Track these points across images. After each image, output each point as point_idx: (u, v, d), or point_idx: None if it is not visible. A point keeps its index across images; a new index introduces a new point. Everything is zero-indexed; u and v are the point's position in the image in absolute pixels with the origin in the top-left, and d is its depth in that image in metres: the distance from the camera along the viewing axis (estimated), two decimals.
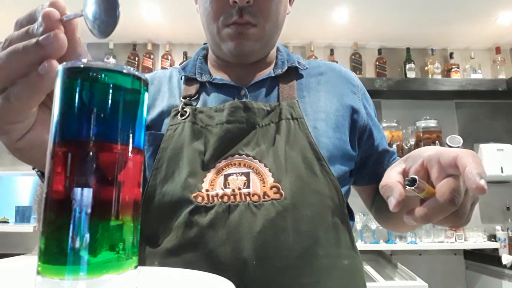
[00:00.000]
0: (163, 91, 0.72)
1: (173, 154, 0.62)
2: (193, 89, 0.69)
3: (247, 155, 0.60)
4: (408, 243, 2.24)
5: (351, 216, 0.69)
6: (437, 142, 2.41)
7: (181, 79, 0.72)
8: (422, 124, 2.48)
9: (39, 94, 0.33)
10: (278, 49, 0.75)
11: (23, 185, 2.59)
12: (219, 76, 0.70)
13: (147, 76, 0.76)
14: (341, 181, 0.62)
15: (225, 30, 0.64)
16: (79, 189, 0.25)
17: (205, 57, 0.76)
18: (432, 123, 2.47)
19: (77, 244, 0.25)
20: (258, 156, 0.60)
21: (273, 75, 0.69)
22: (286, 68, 0.69)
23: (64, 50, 0.32)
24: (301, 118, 0.63)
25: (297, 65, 0.71)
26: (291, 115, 0.63)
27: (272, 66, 0.72)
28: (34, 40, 0.31)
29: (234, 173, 0.59)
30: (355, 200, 0.77)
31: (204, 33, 0.71)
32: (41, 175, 0.47)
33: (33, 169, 0.46)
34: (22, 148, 0.37)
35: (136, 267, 0.29)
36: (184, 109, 0.65)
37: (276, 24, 0.67)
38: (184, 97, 0.68)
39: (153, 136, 0.65)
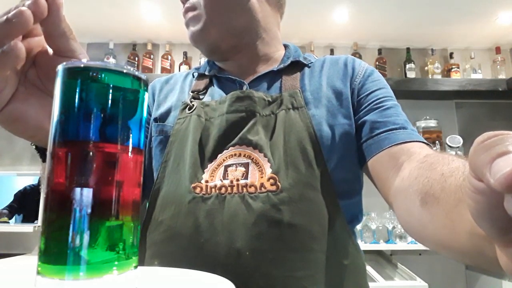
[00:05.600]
0: (176, 88, 0.75)
1: (179, 147, 0.64)
2: (202, 84, 0.72)
3: (248, 142, 0.60)
4: (408, 243, 2.24)
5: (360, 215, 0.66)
6: (437, 142, 2.41)
7: (193, 76, 0.76)
8: (422, 124, 2.48)
9: (2, 69, 0.35)
10: (287, 47, 0.76)
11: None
12: (226, 72, 0.73)
13: (165, 77, 0.80)
14: (342, 168, 0.61)
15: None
16: (79, 189, 0.26)
17: None
18: (432, 123, 2.47)
19: (77, 244, 0.25)
20: (258, 145, 0.60)
21: (275, 69, 0.70)
22: (289, 62, 0.70)
23: (30, 25, 0.33)
24: (302, 107, 0.63)
25: (301, 59, 0.71)
26: (292, 105, 0.63)
27: (278, 63, 0.73)
28: (4, 17, 0.33)
29: (234, 164, 0.59)
30: None
31: None
32: (36, 148, 0.48)
33: (31, 144, 0.47)
34: (4, 121, 0.39)
35: (136, 267, 0.29)
36: (192, 103, 0.68)
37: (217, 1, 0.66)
38: (193, 91, 0.71)
39: (160, 127, 0.69)
